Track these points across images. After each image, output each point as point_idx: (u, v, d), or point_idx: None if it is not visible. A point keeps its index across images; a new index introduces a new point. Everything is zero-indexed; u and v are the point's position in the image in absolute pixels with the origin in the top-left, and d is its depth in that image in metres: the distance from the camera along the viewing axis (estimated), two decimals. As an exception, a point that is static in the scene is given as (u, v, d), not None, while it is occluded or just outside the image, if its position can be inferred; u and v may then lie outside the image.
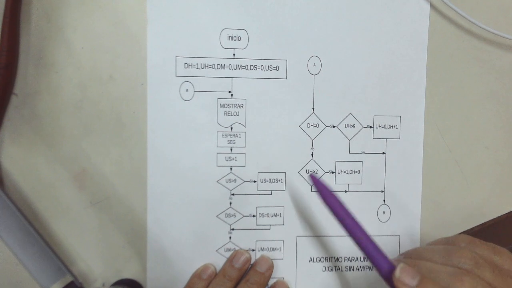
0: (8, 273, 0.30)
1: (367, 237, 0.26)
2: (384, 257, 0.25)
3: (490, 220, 0.35)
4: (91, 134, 0.31)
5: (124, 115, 0.31)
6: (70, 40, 0.31)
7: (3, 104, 0.30)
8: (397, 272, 0.24)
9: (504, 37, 0.33)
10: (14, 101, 0.31)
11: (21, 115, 0.31)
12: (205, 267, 0.32)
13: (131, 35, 0.31)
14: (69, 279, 0.30)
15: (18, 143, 0.31)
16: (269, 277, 0.32)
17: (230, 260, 0.32)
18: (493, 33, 0.33)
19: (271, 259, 0.32)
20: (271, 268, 0.32)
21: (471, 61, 0.34)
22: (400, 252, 0.34)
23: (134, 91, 0.31)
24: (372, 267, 0.33)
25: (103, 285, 0.32)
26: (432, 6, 0.33)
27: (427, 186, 0.34)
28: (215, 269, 0.32)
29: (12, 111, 0.31)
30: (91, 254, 0.32)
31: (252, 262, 0.32)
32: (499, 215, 0.35)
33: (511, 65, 0.35)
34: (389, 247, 0.34)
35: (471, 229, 0.35)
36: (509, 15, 0.34)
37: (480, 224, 0.35)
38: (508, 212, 0.35)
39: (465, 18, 0.33)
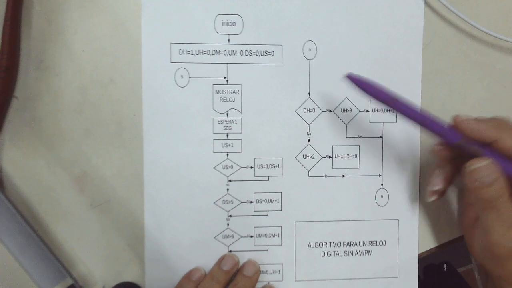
0: (8, 276, 0.29)
1: (422, 115, 0.28)
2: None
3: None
4: (92, 137, 0.31)
5: (124, 118, 0.31)
6: (70, 43, 0.31)
7: (3, 107, 0.30)
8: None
9: (504, 40, 0.33)
10: (14, 104, 0.31)
11: (21, 118, 0.31)
12: (195, 270, 0.32)
13: (132, 38, 0.31)
14: (69, 282, 0.30)
15: (19, 146, 0.31)
16: (256, 281, 0.32)
17: (218, 263, 0.32)
18: (493, 36, 0.33)
19: (258, 264, 0.32)
20: (258, 272, 0.32)
21: (471, 64, 0.34)
22: (400, 237, 0.33)
23: (135, 94, 0.31)
24: (371, 251, 0.33)
25: (103, 288, 0.32)
26: (432, 9, 0.33)
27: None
28: (205, 272, 0.32)
29: (12, 114, 0.31)
30: (91, 256, 0.32)
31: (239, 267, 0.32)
32: None
33: (511, 68, 0.34)
34: (388, 231, 0.33)
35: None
36: (510, 18, 0.34)
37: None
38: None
39: (466, 21, 0.33)
